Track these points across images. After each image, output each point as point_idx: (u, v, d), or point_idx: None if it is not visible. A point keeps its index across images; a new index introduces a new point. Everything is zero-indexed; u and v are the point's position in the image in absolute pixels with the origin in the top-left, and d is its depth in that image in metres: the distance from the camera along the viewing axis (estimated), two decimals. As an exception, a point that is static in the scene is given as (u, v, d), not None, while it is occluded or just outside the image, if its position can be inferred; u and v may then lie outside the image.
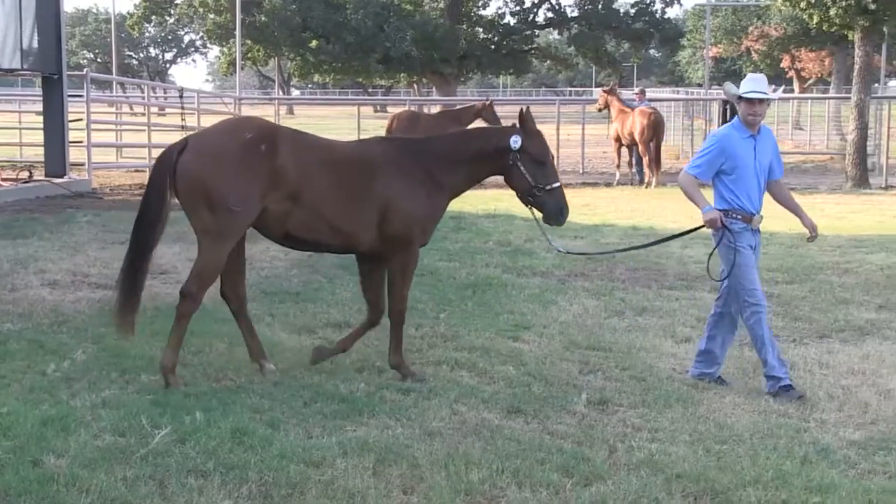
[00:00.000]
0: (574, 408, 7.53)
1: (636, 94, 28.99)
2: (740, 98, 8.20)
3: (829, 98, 39.93)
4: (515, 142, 8.03)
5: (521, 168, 8.03)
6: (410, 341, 9.25)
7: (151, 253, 7.71)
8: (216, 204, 7.45)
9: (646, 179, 24.81)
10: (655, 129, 24.58)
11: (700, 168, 8.30)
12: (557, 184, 8.12)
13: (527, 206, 8.18)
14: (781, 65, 60.46)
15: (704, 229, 8.39)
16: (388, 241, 7.98)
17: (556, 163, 8.54)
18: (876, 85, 38.47)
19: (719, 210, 8.19)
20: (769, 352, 8.00)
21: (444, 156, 8.09)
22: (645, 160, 24.73)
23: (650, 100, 29.56)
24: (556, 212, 8.07)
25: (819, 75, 59.31)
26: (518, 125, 8.13)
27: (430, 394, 7.71)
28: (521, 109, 8.12)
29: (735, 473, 6.19)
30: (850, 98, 26.93)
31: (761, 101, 8.18)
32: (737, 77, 78.09)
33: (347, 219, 7.88)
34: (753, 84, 8.21)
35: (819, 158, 32.24)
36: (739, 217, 8.15)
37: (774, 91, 8.60)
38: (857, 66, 26.13)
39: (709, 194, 8.33)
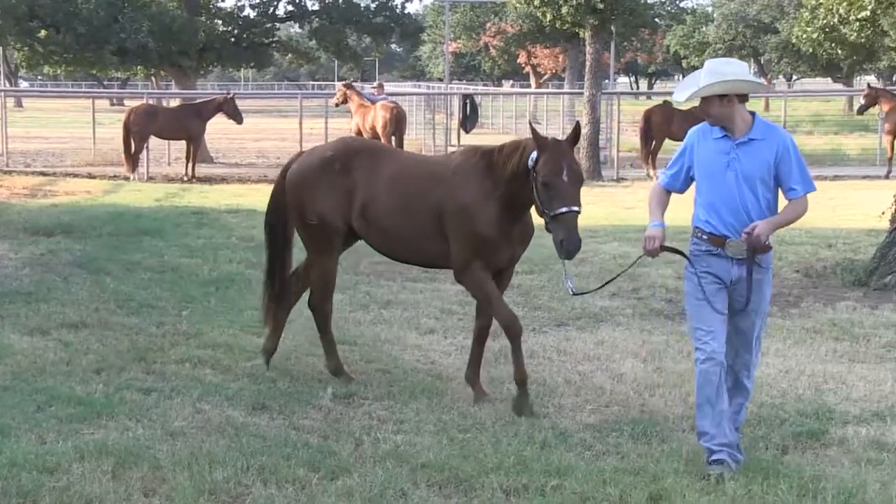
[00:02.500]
0: (320, 402, 7.52)
1: (374, 87, 29.14)
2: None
3: (563, 93, 41.29)
4: (532, 158, 7.06)
5: (534, 189, 7.05)
6: (151, 339, 9.01)
7: (287, 252, 8.40)
8: (299, 217, 8.08)
9: (389, 173, 25.01)
10: (397, 123, 24.81)
11: (666, 174, 6.66)
12: (565, 209, 6.86)
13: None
14: (518, 60, 62.26)
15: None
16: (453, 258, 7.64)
17: None
18: (606, 81, 40.05)
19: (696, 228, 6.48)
20: (702, 416, 6.39)
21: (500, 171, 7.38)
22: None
23: (391, 94, 29.83)
24: (556, 243, 6.90)
25: (554, 71, 61.35)
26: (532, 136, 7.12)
27: (172, 393, 7.53)
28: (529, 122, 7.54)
29: (478, 461, 6.30)
30: (582, 93, 27.94)
31: (707, 99, 6.31)
32: (475, 73, 79.93)
33: (411, 233, 7.75)
34: (702, 79, 6.34)
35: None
36: (704, 238, 6.40)
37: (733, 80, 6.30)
38: (588, 63, 27.13)
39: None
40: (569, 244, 6.85)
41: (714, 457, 6.26)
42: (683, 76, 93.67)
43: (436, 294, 11.38)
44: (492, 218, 7.34)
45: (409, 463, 6.27)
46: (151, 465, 6.12)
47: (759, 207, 6.32)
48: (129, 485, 5.85)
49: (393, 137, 24.72)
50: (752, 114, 6.42)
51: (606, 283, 7.98)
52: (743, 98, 6.33)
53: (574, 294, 7.45)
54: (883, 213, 12.92)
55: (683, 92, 6.50)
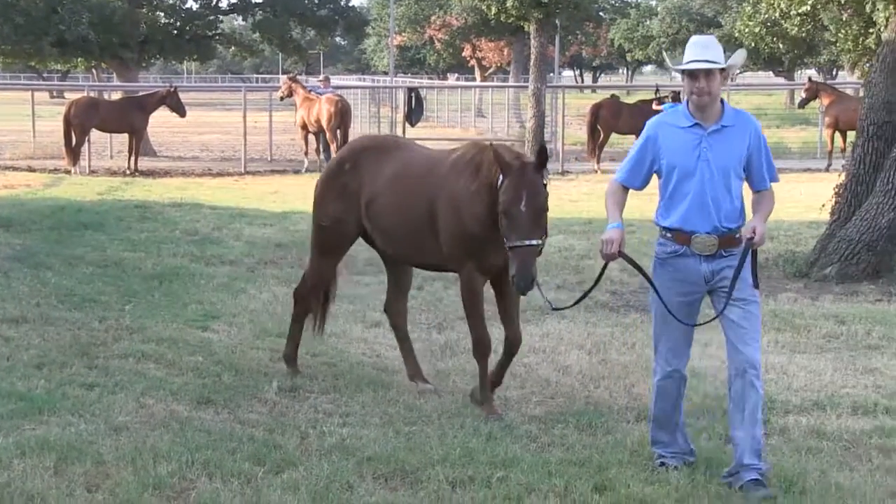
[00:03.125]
0: (265, 396, 7.49)
1: (321, 81, 29.02)
2: (683, 73, 5.97)
3: (508, 87, 41.45)
4: (500, 180, 6.70)
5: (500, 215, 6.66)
6: (94, 334, 8.92)
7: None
8: (314, 218, 8.05)
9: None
10: (342, 116, 24.73)
11: (623, 170, 6.13)
12: (518, 243, 6.50)
13: None
14: (463, 54, 62.23)
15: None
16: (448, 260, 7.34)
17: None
18: (551, 74, 40.23)
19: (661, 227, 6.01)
20: (657, 428, 6.26)
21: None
22: (332, 147, 24.84)
23: (337, 87, 29.73)
24: (510, 276, 6.56)
25: (499, 64, 61.39)
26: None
27: (115, 388, 7.46)
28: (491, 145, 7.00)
29: (424, 453, 6.31)
30: (527, 87, 28.02)
31: (708, 72, 5.83)
32: (420, 66, 79.78)
33: (408, 231, 7.46)
34: (695, 51, 5.92)
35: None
36: (669, 236, 5.95)
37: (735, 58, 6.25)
38: (533, 57, 27.20)
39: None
40: (519, 279, 6.47)
41: (663, 461, 6.15)
42: (628, 69, 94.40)
43: (382, 287, 11.29)
44: (480, 214, 6.90)
45: (354, 456, 6.26)
46: (94, 460, 6.06)
47: (729, 201, 5.87)
48: (71, 480, 5.79)
49: (338, 131, 24.66)
50: (721, 100, 6.00)
51: (583, 297, 6.91)
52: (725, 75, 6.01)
53: (554, 309, 7.00)
54: (823, 206, 13.08)
55: (689, 63, 5.87)
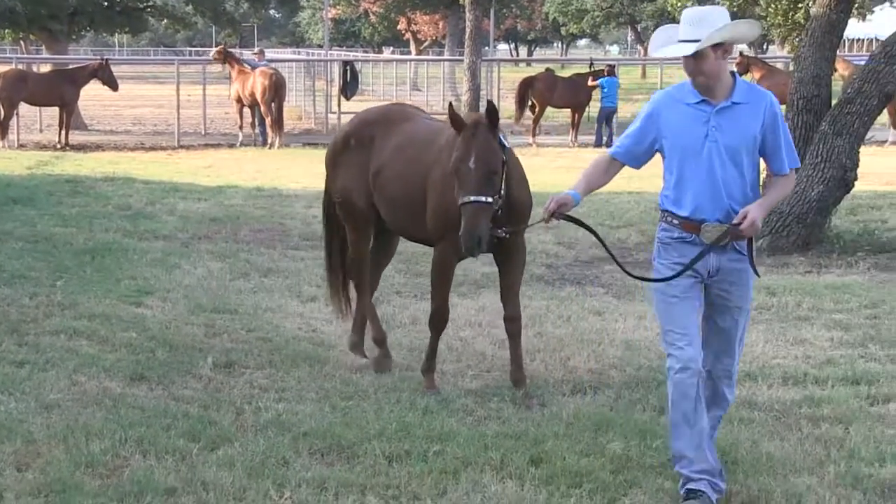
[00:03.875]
0: (200, 371, 7.43)
1: (255, 54, 28.77)
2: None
3: (443, 60, 41.35)
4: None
5: None
6: (24, 311, 8.78)
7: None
8: (329, 195, 7.97)
9: (269, 140, 24.74)
10: (277, 89, 24.54)
11: (620, 144, 5.61)
12: (466, 199, 6.31)
13: None
14: (398, 27, 62.04)
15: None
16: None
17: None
18: (486, 48, 40.24)
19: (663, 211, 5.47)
20: (678, 437, 5.41)
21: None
22: (268, 121, 24.66)
23: (271, 61, 29.47)
24: (459, 235, 6.36)
25: (434, 38, 61.32)
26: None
27: (46, 365, 7.36)
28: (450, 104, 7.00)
29: (360, 428, 6.30)
30: (462, 60, 28.00)
31: (697, 53, 5.20)
32: (355, 39, 79.35)
33: (408, 204, 7.21)
34: (682, 30, 5.31)
35: (437, 118, 33.32)
36: (675, 223, 5.39)
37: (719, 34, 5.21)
38: (468, 30, 27.20)
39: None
40: (466, 238, 6.24)
41: (691, 486, 5.35)
42: (563, 43, 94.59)
43: (317, 262, 11.30)
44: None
45: (290, 431, 6.24)
46: (25, 439, 5.98)
47: (741, 185, 5.33)
48: (1, 459, 5.70)
49: (273, 104, 24.46)
50: (733, 73, 5.43)
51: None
52: (730, 50, 5.36)
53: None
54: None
55: (668, 48, 5.39)
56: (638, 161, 5.59)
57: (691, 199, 5.31)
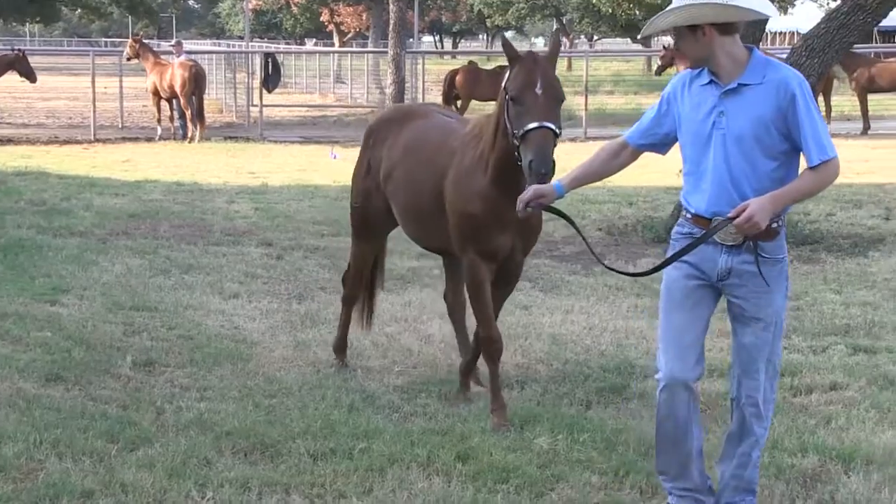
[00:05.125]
0: (119, 371, 7.26)
1: (173, 45, 28.38)
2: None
3: (367, 52, 41.16)
4: (506, 79, 6.00)
5: (505, 114, 5.94)
6: (-66, 311, 8.51)
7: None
8: (351, 198, 7.56)
9: (189, 133, 24.40)
10: (196, 81, 24.20)
11: (633, 128, 5.14)
12: (535, 124, 5.63)
13: None
14: (321, 19, 61.65)
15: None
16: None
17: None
18: (410, 40, 40.08)
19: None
20: (662, 453, 5.08)
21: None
22: (187, 114, 24.32)
23: (190, 52, 29.07)
24: (526, 167, 5.61)
25: (358, 30, 60.99)
26: None
27: (-43, 367, 7.13)
28: None
29: (284, 426, 6.21)
30: (387, 52, 27.86)
31: (677, 32, 4.71)
32: (276, 31, 78.69)
33: (419, 210, 6.75)
34: (670, 8, 4.69)
35: (361, 111, 33.09)
36: (688, 217, 4.91)
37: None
38: (392, 22, 27.07)
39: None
40: (538, 163, 5.42)
41: (670, 500, 5.09)
42: (488, 35, 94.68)
43: (240, 258, 11.15)
44: (481, 190, 6.18)
45: (213, 431, 6.11)
46: (-65, 443, 5.78)
47: (755, 179, 4.66)
48: None
49: (193, 97, 24.12)
50: (750, 49, 4.72)
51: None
52: (729, 28, 4.63)
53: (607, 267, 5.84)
54: (680, 171, 13.22)
55: (648, 27, 4.92)
56: (656, 143, 5.05)
57: (701, 193, 4.78)
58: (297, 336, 8.26)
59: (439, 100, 25.80)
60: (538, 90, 5.69)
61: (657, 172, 16.20)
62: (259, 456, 5.86)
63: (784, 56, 12.88)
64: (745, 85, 4.64)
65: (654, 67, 29.24)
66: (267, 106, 27.29)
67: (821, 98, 22.80)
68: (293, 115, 31.16)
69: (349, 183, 7.70)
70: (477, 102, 26.71)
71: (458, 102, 25.87)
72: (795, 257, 11.19)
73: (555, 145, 5.61)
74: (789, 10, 32.39)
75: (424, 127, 6.95)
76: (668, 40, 56.51)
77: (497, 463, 5.73)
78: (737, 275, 4.78)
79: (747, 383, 4.88)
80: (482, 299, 6.42)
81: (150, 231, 12.58)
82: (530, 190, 5.09)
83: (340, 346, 7.65)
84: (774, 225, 4.69)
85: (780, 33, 57.16)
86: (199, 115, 24.32)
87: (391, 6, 27.08)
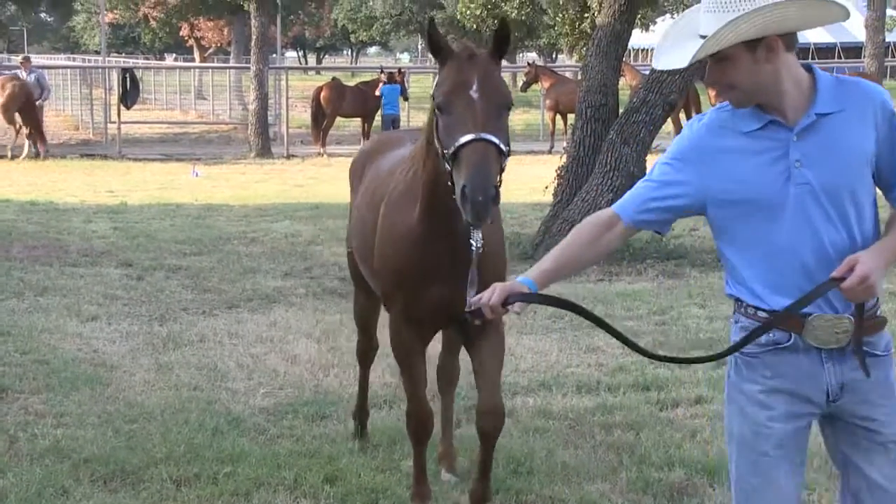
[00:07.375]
0: (-31, 400, 6.96)
1: (21, 62, 27.59)
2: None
3: (229, 68, 40.63)
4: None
5: (435, 126, 4.56)
6: None
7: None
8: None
9: (38, 151, 23.74)
10: (19, 99, 23.62)
11: (630, 201, 3.58)
12: (469, 137, 4.23)
13: None
14: (181, 33, 60.69)
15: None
16: None
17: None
18: (274, 56, 39.76)
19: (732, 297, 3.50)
20: None
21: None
22: (24, 132, 23.73)
23: (42, 67, 28.30)
24: (459, 194, 4.19)
25: (219, 45, 60.20)
26: None
27: None
28: None
29: (146, 452, 6.04)
30: (249, 68, 27.55)
31: (720, 59, 3.26)
32: (134, 46, 77.22)
33: (367, 258, 5.43)
34: (706, 20, 3.24)
35: (223, 128, 32.66)
36: (755, 316, 3.41)
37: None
38: (254, 37, 26.78)
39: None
40: (474, 188, 4.08)
41: None
42: (352, 51, 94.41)
43: (98, 279, 10.84)
44: (407, 231, 4.94)
45: (70, 458, 5.91)
46: None
47: (848, 244, 3.33)
48: None
49: (21, 114, 23.56)
50: (809, 69, 3.39)
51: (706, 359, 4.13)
52: (793, 42, 3.32)
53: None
54: (547, 188, 13.38)
55: (671, 55, 3.42)
56: (664, 224, 3.59)
57: (779, 283, 3.36)
58: (158, 359, 8.04)
59: (306, 116, 25.62)
60: (473, 93, 4.33)
61: (523, 189, 16.37)
62: (119, 483, 5.69)
63: (647, 72, 13.11)
64: (825, 115, 3.32)
65: (520, 83, 29.52)
66: (125, 123, 26.74)
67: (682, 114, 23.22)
68: (153, 131, 30.59)
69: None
70: (343, 120, 26.60)
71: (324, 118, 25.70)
72: (660, 272, 11.38)
73: (500, 166, 4.28)
74: (651, 27, 33.02)
75: (389, 157, 5.67)
76: (533, 55, 57.05)
77: (366, 484, 5.65)
78: (851, 389, 3.39)
79: None
80: (409, 363, 5.23)
81: (1, 252, 12.14)
82: (497, 291, 3.52)
83: (360, 415, 6.54)
84: (879, 312, 3.43)
85: (643, 50, 58.28)
86: (38, 132, 23.82)
87: (253, 21, 26.79)
